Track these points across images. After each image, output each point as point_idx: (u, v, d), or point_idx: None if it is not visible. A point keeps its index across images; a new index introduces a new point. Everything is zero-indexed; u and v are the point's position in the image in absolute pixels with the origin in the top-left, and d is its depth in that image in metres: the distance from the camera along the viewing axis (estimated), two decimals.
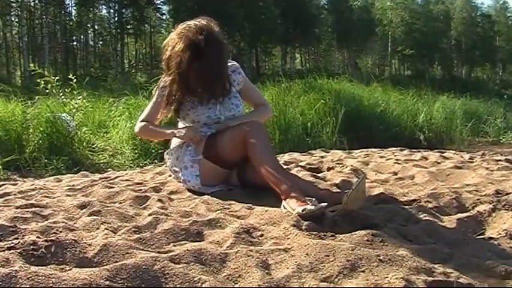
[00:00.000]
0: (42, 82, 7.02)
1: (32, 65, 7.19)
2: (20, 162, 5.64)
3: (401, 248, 1.96)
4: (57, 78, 7.13)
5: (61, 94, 7.16)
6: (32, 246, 1.87)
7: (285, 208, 2.50)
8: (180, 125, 3.31)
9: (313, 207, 2.31)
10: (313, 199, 2.43)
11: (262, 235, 2.17)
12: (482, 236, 2.24)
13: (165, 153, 3.46)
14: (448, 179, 3.52)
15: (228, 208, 2.68)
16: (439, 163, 4.23)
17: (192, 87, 3.04)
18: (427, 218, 2.44)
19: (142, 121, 3.30)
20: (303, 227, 2.22)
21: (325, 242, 1.96)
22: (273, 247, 1.96)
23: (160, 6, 50.70)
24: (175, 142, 3.28)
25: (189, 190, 3.11)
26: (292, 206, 2.43)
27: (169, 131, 3.25)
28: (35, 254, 1.84)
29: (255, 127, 2.90)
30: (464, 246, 2.08)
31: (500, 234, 2.23)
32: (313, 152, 5.54)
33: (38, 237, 2.00)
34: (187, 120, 3.23)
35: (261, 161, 2.79)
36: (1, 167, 5.45)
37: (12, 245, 1.88)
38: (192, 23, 3.02)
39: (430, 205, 2.69)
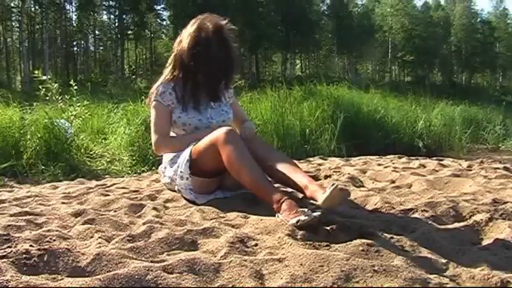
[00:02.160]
0: (43, 89, 7.02)
1: (36, 71, 7.17)
2: (17, 169, 5.62)
3: (397, 258, 1.95)
4: (56, 85, 7.12)
5: (60, 101, 7.16)
6: (24, 255, 1.86)
7: (279, 217, 2.48)
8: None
9: (306, 217, 2.29)
10: (306, 209, 2.41)
11: (256, 244, 2.15)
12: (478, 246, 2.22)
13: (159, 168, 3.46)
14: (446, 188, 3.50)
15: (223, 217, 2.66)
16: (437, 171, 4.23)
17: (205, 79, 3.21)
18: (423, 227, 2.43)
19: (162, 136, 3.24)
20: (298, 237, 2.21)
21: (320, 252, 1.95)
22: (267, 257, 1.95)
23: (161, 12, 50.82)
24: (167, 157, 3.27)
25: (185, 198, 3.10)
26: (286, 218, 2.41)
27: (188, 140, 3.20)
28: (28, 263, 1.83)
29: (225, 133, 2.82)
30: (461, 256, 2.06)
31: (496, 244, 2.22)
32: (311, 159, 5.53)
33: (31, 245, 1.99)
34: (178, 122, 3.23)
35: (238, 172, 2.75)
36: None
37: (4, 253, 1.87)
38: (208, 17, 3.22)
39: (426, 214, 2.67)
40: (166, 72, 3.32)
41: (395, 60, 63.34)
